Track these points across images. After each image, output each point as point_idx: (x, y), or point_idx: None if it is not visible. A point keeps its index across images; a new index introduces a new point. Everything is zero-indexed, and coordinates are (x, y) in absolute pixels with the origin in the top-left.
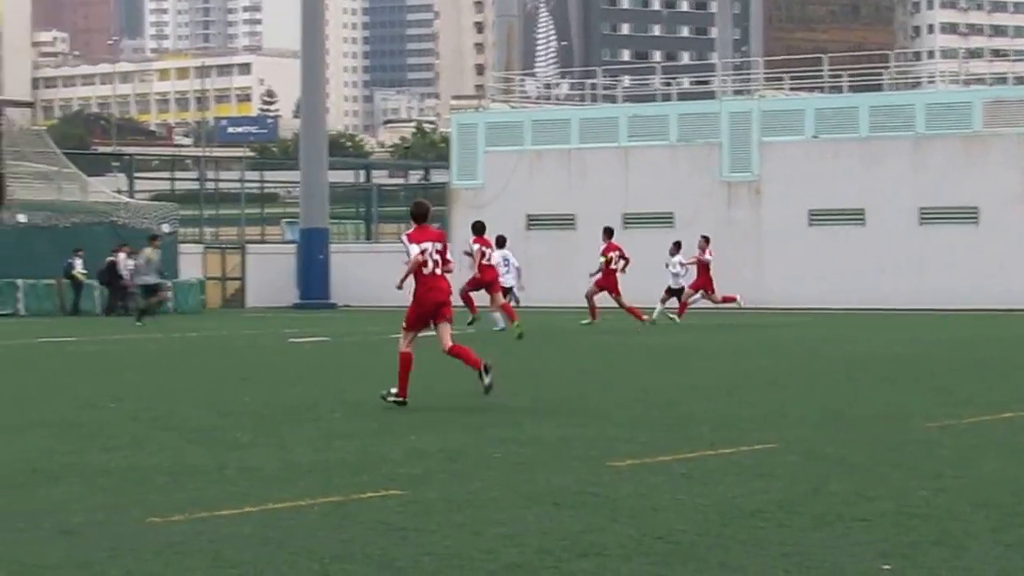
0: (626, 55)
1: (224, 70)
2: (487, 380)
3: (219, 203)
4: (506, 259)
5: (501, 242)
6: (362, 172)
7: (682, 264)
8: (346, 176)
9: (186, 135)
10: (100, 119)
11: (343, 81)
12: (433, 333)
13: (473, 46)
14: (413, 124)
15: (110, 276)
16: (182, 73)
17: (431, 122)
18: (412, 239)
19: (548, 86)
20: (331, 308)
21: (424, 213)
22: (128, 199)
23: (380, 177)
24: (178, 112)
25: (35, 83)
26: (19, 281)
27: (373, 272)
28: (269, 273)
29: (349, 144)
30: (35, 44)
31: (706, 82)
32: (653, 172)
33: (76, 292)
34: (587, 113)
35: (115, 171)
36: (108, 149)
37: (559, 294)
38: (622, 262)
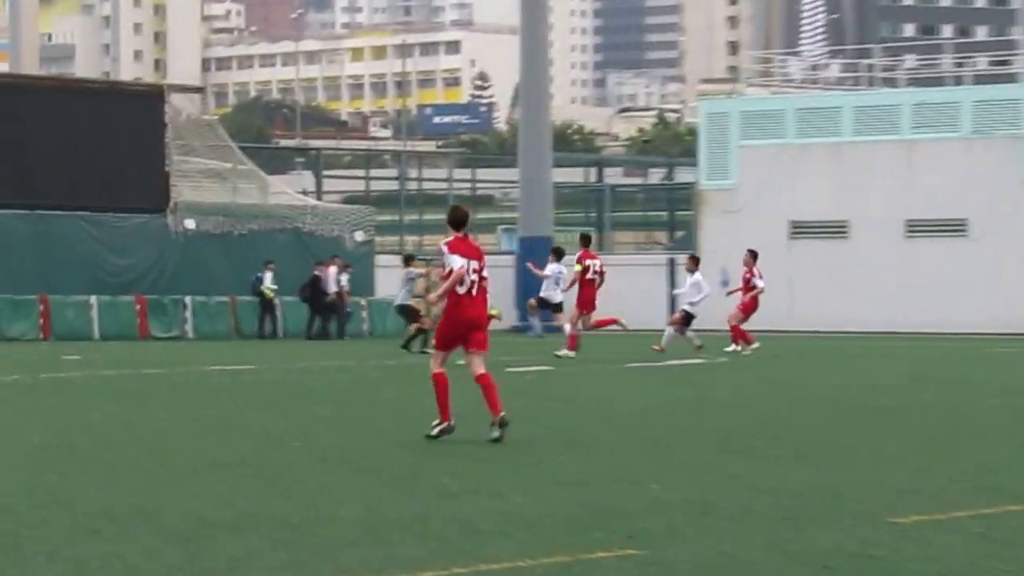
0: (909, 30)
1: (429, 49)
2: (496, 433)
3: (422, 207)
4: (558, 273)
5: (559, 254)
6: (592, 170)
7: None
8: (574, 175)
9: (384, 126)
10: (282, 107)
11: (570, 62)
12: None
13: (725, 20)
14: (653, 113)
15: (312, 293)
16: (378, 52)
17: (675, 111)
18: (453, 249)
19: (815, 67)
20: (556, 332)
21: (464, 220)
22: (315, 201)
23: (613, 176)
24: (374, 99)
25: (205, 65)
26: (187, 299)
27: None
28: None
29: (577, 137)
30: (205, 18)
31: (1006, 62)
32: (943, 170)
33: (265, 312)
34: (862, 100)
35: (300, 168)
36: (292, 143)
37: (829, 315)
38: (598, 277)
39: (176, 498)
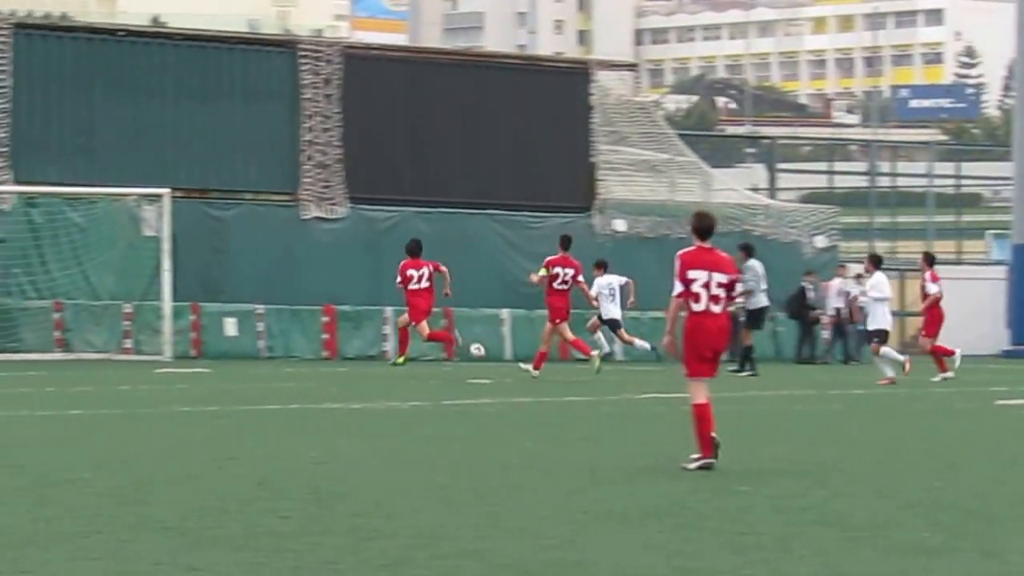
0: None
1: (905, 19)
2: (694, 465)
3: (895, 207)
4: (611, 286)
5: (603, 265)
6: None
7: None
8: None
9: (850, 111)
10: (729, 88)
11: None
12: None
13: None
14: None
15: (799, 308)
16: (845, 23)
17: None
18: (688, 263)
19: None
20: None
21: (711, 229)
22: (767, 200)
23: None
24: (840, 79)
25: (638, 37)
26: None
27: None
28: (968, 305)
29: None
30: None
31: None
32: None
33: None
34: None
35: (750, 161)
36: (740, 130)
37: None
38: (565, 285)
39: (602, 549)
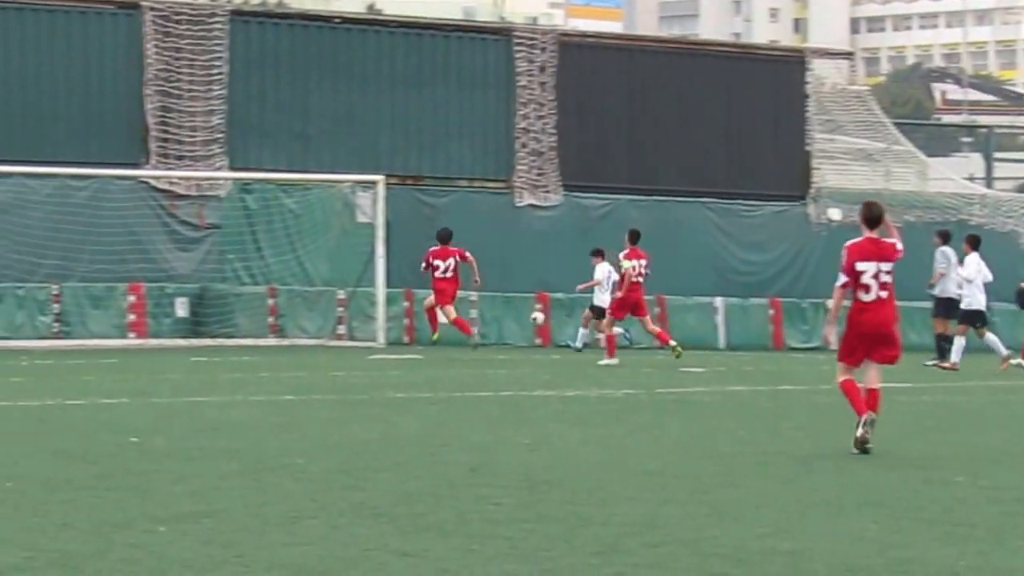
0: None
1: None
2: (860, 432)
3: None
4: (611, 275)
5: (601, 253)
6: None
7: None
8: None
9: None
10: (945, 76)
11: None
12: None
13: None
14: None
15: None
16: None
17: None
18: (853, 255)
19: None
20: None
21: (879, 219)
22: (984, 189)
23: None
24: None
25: (854, 26)
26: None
27: None
28: None
29: None
30: None
31: None
32: None
33: None
34: None
35: (966, 150)
36: (956, 119)
37: None
38: (641, 278)
39: (816, 538)
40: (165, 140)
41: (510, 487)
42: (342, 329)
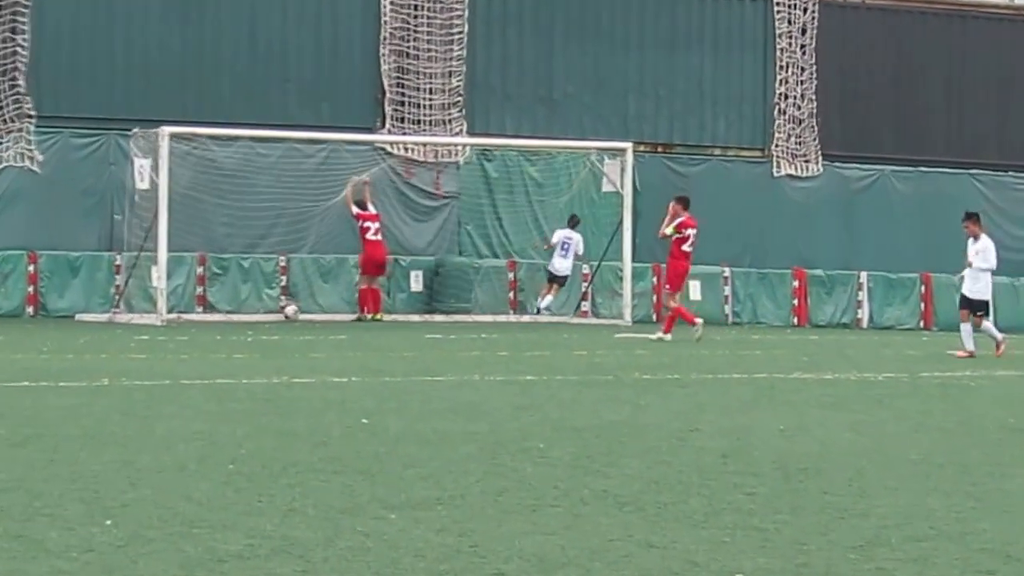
0: None
1: None
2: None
3: None
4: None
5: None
6: None
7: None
8: None
9: None
10: None
11: None
12: None
13: None
14: None
15: None
16: None
17: None
18: None
19: None
20: None
21: None
22: None
23: None
24: None
25: None
26: None
27: None
28: None
29: None
30: None
31: None
32: None
33: None
34: None
35: None
36: None
37: None
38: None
39: None
40: (401, 103)
41: (764, 475)
42: (585, 306)
